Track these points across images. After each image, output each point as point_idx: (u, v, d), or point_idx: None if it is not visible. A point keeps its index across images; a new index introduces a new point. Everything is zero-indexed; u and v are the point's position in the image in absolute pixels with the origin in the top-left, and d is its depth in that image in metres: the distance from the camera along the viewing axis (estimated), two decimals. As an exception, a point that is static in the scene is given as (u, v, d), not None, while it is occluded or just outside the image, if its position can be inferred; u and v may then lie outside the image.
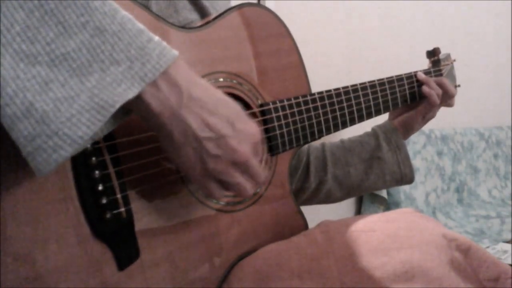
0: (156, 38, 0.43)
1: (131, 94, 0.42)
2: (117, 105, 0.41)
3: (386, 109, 0.84)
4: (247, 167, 0.50)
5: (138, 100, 0.43)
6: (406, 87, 0.87)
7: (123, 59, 0.41)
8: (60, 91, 0.38)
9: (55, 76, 0.38)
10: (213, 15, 0.67)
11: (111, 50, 0.41)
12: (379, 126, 0.92)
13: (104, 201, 0.48)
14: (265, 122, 0.66)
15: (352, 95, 0.77)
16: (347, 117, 0.76)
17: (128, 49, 0.41)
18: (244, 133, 0.49)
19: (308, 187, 0.89)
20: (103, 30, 0.40)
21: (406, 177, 0.90)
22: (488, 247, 1.57)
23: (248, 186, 0.51)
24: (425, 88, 0.88)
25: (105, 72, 0.40)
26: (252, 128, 0.51)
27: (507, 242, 1.62)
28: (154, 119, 0.45)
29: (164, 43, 0.44)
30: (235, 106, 0.51)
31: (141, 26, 0.43)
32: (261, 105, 0.66)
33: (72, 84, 0.39)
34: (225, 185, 0.51)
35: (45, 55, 0.38)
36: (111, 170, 0.50)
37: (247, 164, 0.50)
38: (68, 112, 0.39)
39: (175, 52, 0.44)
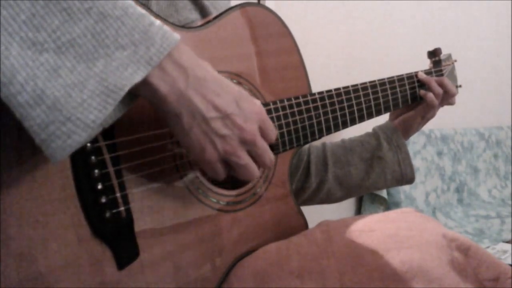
0: (158, 22, 0.44)
1: (138, 77, 0.42)
2: (126, 88, 0.42)
3: (386, 109, 0.84)
4: (254, 146, 0.51)
5: (145, 83, 0.44)
6: (407, 87, 0.87)
7: (128, 43, 0.42)
8: (69, 77, 0.39)
9: (62, 62, 0.39)
10: (214, 14, 0.67)
11: (116, 35, 0.41)
12: (380, 126, 0.92)
13: (103, 200, 0.48)
14: (265, 121, 0.66)
15: (352, 95, 0.77)
16: (348, 117, 0.76)
17: (131, 34, 0.42)
18: (249, 111, 0.50)
19: (308, 187, 0.89)
20: (106, 15, 0.41)
21: (407, 176, 0.90)
22: (488, 247, 1.57)
23: (255, 168, 0.52)
24: (422, 91, 0.88)
25: (111, 57, 0.41)
26: (256, 106, 0.52)
27: (507, 242, 1.62)
28: (162, 102, 0.46)
29: (166, 27, 0.44)
30: (237, 87, 0.51)
31: (142, 10, 0.43)
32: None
33: (80, 70, 0.39)
34: (233, 166, 0.52)
35: (52, 42, 0.38)
36: (111, 169, 0.50)
37: (254, 142, 0.51)
38: (79, 97, 0.39)
39: (177, 35, 0.45)
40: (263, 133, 0.53)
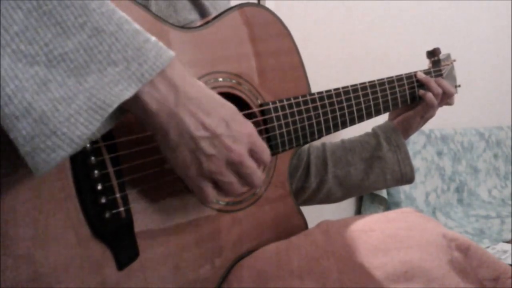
0: (153, 38, 0.43)
1: (128, 94, 0.42)
2: (115, 105, 0.41)
3: (386, 109, 0.84)
4: (242, 167, 0.50)
5: (136, 99, 0.44)
6: (406, 87, 0.87)
7: (120, 59, 0.41)
8: (58, 91, 0.39)
9: (53, 76, 0.39)
10: (213, 15, 0.67)
11: (109, 51, 0.41)
12: (379, 126, 0.92)
13: (103, 200, 0.48)
14: (264, 122, 0.66)
15: (352, 95, 0.77)
16: (347, 117, 0.76)
17: (125, 50, 0.42)
18: (239, 133, 0.50)
19: (308, 187, 0.89)
20: (100, 31, 0.40)
21: (406, 176, 0.90)
22: (488, 247, 1.57)
23: (239, 187, 0.52)
24: (421, 91, 0.88)
25: (103, 73, 0.41)
26: (247, 128, 0.51)
27: (507, 242, 1.62)
28: (151, 118, 0.45)
29: (161, 44, 0.44)
30: (231, 107, 0.51)
31: (137, 26, 0.43)
32: (261, 105, 0.66)
33: (70, 85, 0.39)
34: (219, 185, 0.51)
35: (43, 55, 0.38)
36: (110, 169, 0.50)
37: (242, 164, 0.50)
38: (66, 112, 0.39)
39: (172, 53, 0.45)
40: (254, 155, 0.52)
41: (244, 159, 0.50)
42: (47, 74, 0.38)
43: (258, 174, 0.53)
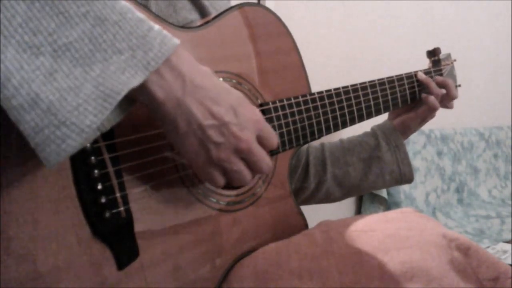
0: (156, 27, 0.43)
1: (135, 82, 0.42)
2: (123, 93, 0.41)
3: (386, 109, 0.84)
4: (250, 154, 0.51)
5: (143, 88, 0.44)
6: (406, 86, 0.87)
7: (125, 48, 0.41)
8: (65, 81, 0.39)
9: (59, 66, 0.39)
10: (213, 14, 0.67)
11: (113, 40, 0.41)
12: (378, 126, 0.92)
13: (103, 200, 0.48)
14: (265, 121, 0.66)
15: (352, 94, 0.77)
16: (347, 117, 0.76)
17: (129, 38, 0.42)
18: (247, 119, 0.50)
19: (307, 187, 0.89)
20: (103, 20, 0.41)
21: (405, 176, 0.90)
22: (488, 247, 1.57)
23: (248, 174, 0.52)
24: (423, 95, 0.88)
25: (108, 61, 0.41)
26: (254, 115, 0.52)
27: (507, 242, 1.62)
28: (158, 107, 0.46)
29: (165, 32, 0.44)
30: (237, 93, 0.51)
31: (141, 15, 0.43)
32: (261, 105, 0.66)
33: (77, 74, 0.39)
34: (227, 172, 0.51)
35: (48, 45, 0.38)
36: (110, 169, 0.50)
37: (250, 151, 0.51)
38: (75, 101, 0.39)
39: (176, 40, 0.45)
40: (262, 141, 0.53)
41: (252, 146, 0.51)
42: (53, 64, 0.38)
43: (266, 160, 0.53)
